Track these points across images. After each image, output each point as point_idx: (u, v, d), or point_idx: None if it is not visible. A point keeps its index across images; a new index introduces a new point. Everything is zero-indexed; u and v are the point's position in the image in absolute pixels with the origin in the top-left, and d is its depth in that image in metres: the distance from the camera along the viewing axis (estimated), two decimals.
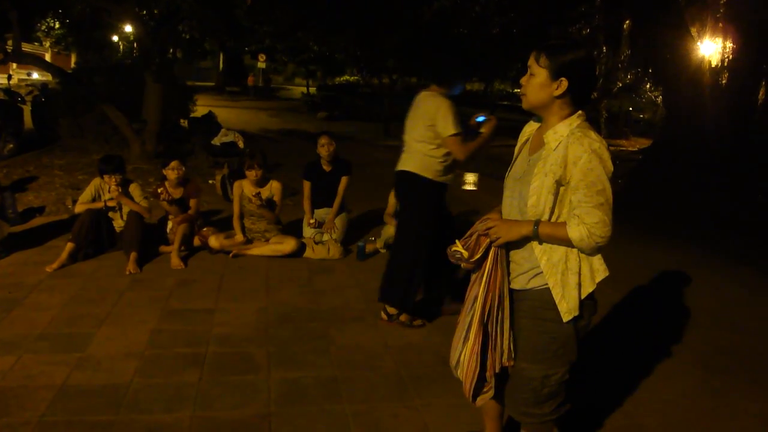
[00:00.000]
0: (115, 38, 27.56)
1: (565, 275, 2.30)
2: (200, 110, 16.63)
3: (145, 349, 4.08)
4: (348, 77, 33.61)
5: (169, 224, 6.40)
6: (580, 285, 2.30)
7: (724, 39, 17.25)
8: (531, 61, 2.33)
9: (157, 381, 3.68)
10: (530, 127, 2.55)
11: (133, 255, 5.76)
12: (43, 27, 23.64)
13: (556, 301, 2.30)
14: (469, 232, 2.51)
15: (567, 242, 2.25)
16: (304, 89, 34.54)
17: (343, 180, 6.76)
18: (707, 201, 11.13)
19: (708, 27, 17.18)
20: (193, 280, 5.51)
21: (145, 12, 13.79)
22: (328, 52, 23.05)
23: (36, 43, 31.81)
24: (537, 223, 2.29)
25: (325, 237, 6.52)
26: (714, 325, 5.12)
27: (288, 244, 6.16)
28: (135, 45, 12.47)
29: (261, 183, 6.22)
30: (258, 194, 6.06)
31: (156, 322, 4.56)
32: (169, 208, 6.32)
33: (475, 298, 2.45)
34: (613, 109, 29.38)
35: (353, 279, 5.72)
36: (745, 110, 13.99)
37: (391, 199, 6.59)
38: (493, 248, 2.41)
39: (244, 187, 6.24)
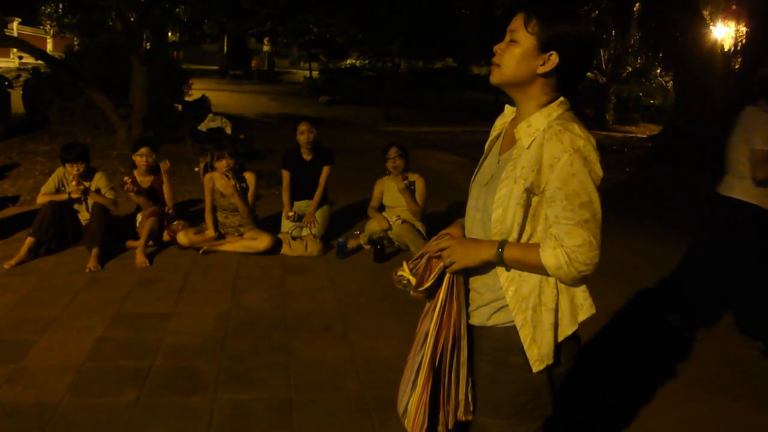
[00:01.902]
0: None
1: (538, 312, 1.79)
2: (197, 94, 16.22)
3: (85, 362, 3.66)
4: (353, 61, 33.05)
5: (139, 217, 5.95)
6: (556, 325, 1.80)
7: (737, 22, 16.74)
8: (516, 24, 1.81)
9: (90, 402, 3.25)
10: (503, 119, 2.05)
11: (95, 251, 5.33)
12: (47, 11, 23.19)
13: (525, 346, 1.80)
14: (420, 252, 2.02)
15: (541, 270, 1.75)
16: (308, 73, 34.02)
17: (325, 170, 6.27)
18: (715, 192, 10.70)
19: (720, 10, 16.66)
20: (156, 279, 5.07)
21: None
22: (329, 35, 22.52)
23: (40, 27, 31.39)
24: (502, 244, 1.79)
25: (304, 232, 6.05)
26: (724, 337, 4.64)
27: (262, 241, 5.69)
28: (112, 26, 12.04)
29: (236, 174, 5.75)
30: (234, 185, 5.60)
31: (104, 328, 4.13)
32: (137, 199, 5.89)
33: (426, 334, 1.96)
34: (623, 95, 28.71)
35: (329, 280, 5.24)
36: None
37: (376, 192, 6.11)
38: (447, 274, 1.92)
39: (216, 180, 5.77)
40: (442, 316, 1.92)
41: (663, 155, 13.09)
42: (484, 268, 1.87)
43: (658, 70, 25.93)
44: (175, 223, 5.96)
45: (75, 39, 23.86)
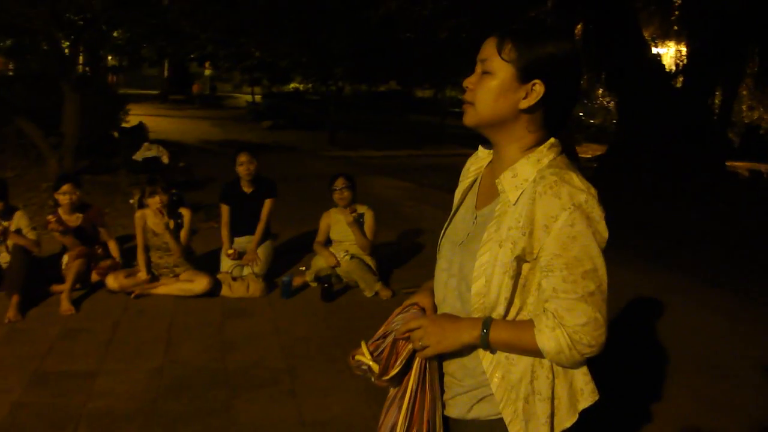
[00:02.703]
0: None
1: (531, 403, 1.46)
2: (135, 120, 15.63)
3: None
4: (297, 85, 32.69)
5: (65, 258, 5.45)
6: (552, 417, 1.46)
7: (678, 42, 17.03)
8: (487, 52, 1.49)
9: None
10: (478, 162, 1.71)
11: (14, 299, 4.80)
12: None
13: None
14: (382, 330, 1.66)
15: (536, 354, 1.43)
16: (250, 97, 33.51)
17: (267, 203, 5.86)
18: (667, 211, 10.72)
19: (662, 31, 16.90)
20: (82, 330, 4.58)
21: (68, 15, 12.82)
22: (271, 59, 22.13)
23: None
24: (487, 324, 1.45)
25: (246, 271, 5.62)
26: (696, 370, 4.39)
27: (199, 283, 5.25)
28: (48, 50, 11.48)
29: (172, 207, 5.32)
30: (167, 224, 5.16)
31: (22, 391, 3.65)
32: (63, 239, 5.39)
33: (393, 429, 1.59)
34: None
35: (273, 325, 4.83)
36: (701, 113, 13.70)
37: (323, 226, 5.73)
38: (418, 358, 1.57)
39: (147, 218, 5.32)
40: (413, 408, 1.55)
41: (608, 175, 13.08)
42: (463, 348, 1.53)
43: (600, 91, 26.21)
44: (102, 261, 5.48)
45: (10, 64, 23.02)
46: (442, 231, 1.71)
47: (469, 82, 1.53)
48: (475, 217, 1.59)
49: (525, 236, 1.41)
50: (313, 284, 5.60)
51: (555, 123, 1.52)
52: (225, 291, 5.36)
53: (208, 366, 4.08)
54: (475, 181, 1.70)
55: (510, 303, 1.46)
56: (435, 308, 1.67)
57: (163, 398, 3.63)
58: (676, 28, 15.83)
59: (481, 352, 1.50)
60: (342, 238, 5.65)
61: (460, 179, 1.76)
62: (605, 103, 26.52)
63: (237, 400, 3.64)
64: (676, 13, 15.58)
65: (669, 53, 17.34)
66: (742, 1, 12.12)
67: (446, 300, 1.61)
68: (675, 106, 13.23)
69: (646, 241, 8.40)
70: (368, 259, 5.62)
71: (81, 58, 16.01)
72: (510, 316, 1.47)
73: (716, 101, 15.32)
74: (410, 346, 1.55)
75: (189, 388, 3.76)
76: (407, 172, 14.53)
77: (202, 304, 5.17)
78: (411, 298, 1.72)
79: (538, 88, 1.44)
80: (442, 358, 1.58)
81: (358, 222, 5.52)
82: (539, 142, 1.51)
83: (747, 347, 4.98)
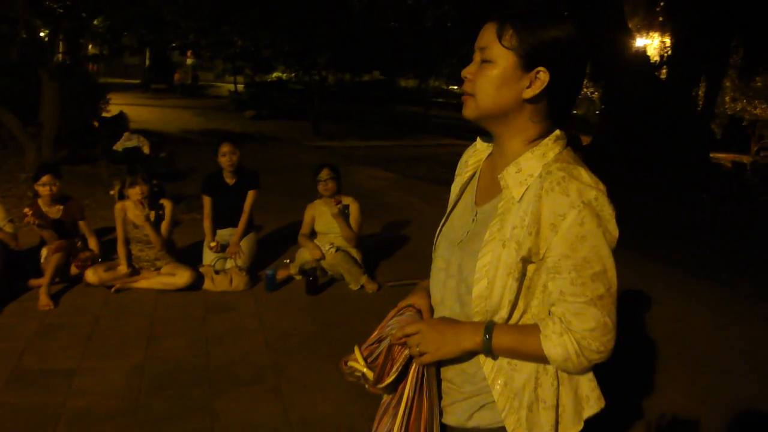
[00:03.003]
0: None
1: (534, 412, 1.38)
2: (116, 110, 15.41)
3: None
4: (280, 74, 32.39)
5: (44, 252, 5.32)
6: (557, 425, 1.39)
7: (663, 34, 17.03)
8: (486, 39, 1.39)
9: None
10: (477, 155, 1.62)
11: None
12: None
13: None
14: (376, 334, 1.58)
15: (541, 360, 1.36)
16: (233, 87, 33.18)
17: (250, 194, 5.75)
18: (650, 202, 10.72)
19: (647, 22, 16.90)
20: (60, 326, 4.46)
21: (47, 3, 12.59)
22: (254, 48, 21.88)
23: None
24: (489, 329, 1.37)
25: (229, 264, 5.52)
26: (684, 364, 4.35)
27: (181, 277, 5.14)
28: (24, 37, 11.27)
29: (153, 199, 5.20)
30: (147, 216, 5.03)
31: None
32: (42, 232, 5.26)
33: None
34: None
35: (257, 319, 4.73)
36: (685, 104, 13.75)
37: (307, 218, 5.63)
38: (414, 364, 1.49)
39: (127, 210, 5.19)
40: (409, 417, 1.47)
41: (593, 167, 13.08)
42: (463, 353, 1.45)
43: (584, 81, 26.23)
44: (81, 253, 5.35)
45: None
46: (439, 228, 1.62)
47: (467, 72, 1.43)
48: (476, 214, 1.49)
49: (531, 236, 1.32)
50: (298, 277, 5.51)
51: (560, 112, 1.44)
52: (207, 284, 5.25)
53: (191, 362, 3.99)
54: (473, 175, 1.60)
55: (513, 306, 1.38)
56: (432, 310, 1.59)
57: (144, 396, 3.53)
58: (661, 19, 15.82)
59: (482, 357, 1.42)
60: (327, 230, 5.56)
61: (457, 172, 1.67)
62: (589, 93, 26.54)
63: (220, 398, 3.54)
64: (661, 3, 15.57)
65: (653, 44, 17.33)
66: None
67: (444, 302, 1.52)
68: (659, 97, 13.27)
69: (631, 233, 8.33)
70: (354, 252, 5.53)
71: (60, 46, 15.74)
72: (513, 320, 1.40)
73: (700, 93, 15.37)
74: (407, 352, 1.47)
75: (171, 386, 3.66)
76: (391, 162, 14.43)
77: (184, 298, 5.06)
78: (406, 300, 1.64)
79: (543, 76, 1.36)
80: (440, 363, 1.50)
81: (343, 213, 5.42)
82: (543, 134, 1.42)
83: (735, 341, 4.95)
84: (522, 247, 1.33)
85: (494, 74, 1.37)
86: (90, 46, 29.26)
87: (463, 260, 1.45)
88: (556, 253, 1.32)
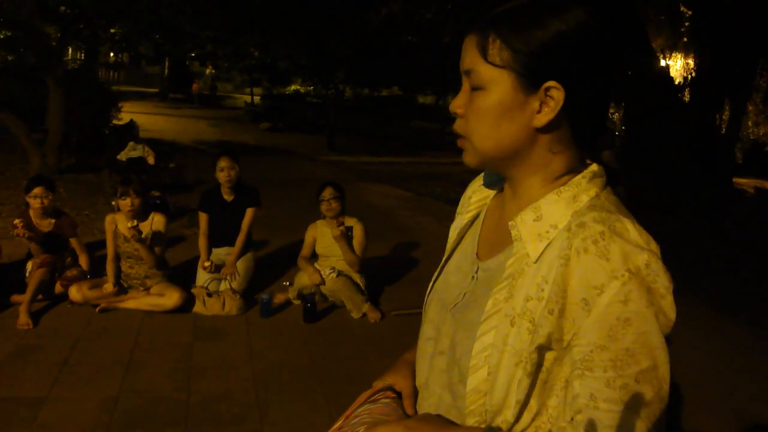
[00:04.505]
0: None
1: None
2: (128, 118, 15.25)
3: None
4: (297, 87, 32.32)
5: (29, 266, 5.02)
6: None
7: (686, 55, 16.66)
8: (470, 59, 1.01)
9: None
10: (482, 191, 1.23)
11: None
12: None
13: None
14: (340, 422, 1.21)
15: None
16: (249, 98, 33.13)
17: (249, 212, 5.42)
18: (671, 228, 10.33)
19: (671, 43, 16.54)
20: (36, 348, 4.15)
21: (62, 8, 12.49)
22: (270, 60, 21.75)
23: None
24: None
25: (223, 286, 5.19)
26: (708, 409, 3.97)
27: (170, 298, 4.81)
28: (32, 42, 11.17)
29: (141, 215, 4.90)
30: (136, 227, 4.71)
31: None
32: (30, 245, 4.98)
33: None
34: None
35: (246, 349, 4.38)
36: (708, 128, 13.38)
37: (308, 239, 5.29)
38: None
39: (118, 223, 4.89)
40: None
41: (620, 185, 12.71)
42: None
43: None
44: (68, 271, 5.05)
45: (8, 57, 22.79)
46: (431, 282, 1.24)
47: (456, 107, 1.06)
48: (476, 271, 1.12)
49: (552, 315, 0.94)
50: (296, 302, 5.16)
51: (590, 132, 1.05)
52: (198, 307, 4.92)
53: (169, 396, 3.64)
54: (476, 217, 1.23)
55: (523, 407, 0.99)
56: (416, 394, 1.22)
57: None
58: (685, 40, 15.45)
59: None
60: (329, 252, 5.22)
61: (458, 211, 1.29)
62: (609, 115, 26.16)
63: None
64: (686, 24, 15.21)
65: (677, 66, 16.97)
66: (751, 16, 11.79)
67: (430, 386, 1.14)
68: (682, 119, 12.89)
69: None
70: (356, 277, 5.18)
71: (70, 52, 15.72)
72: (522, 425, 1.00)
73: (724, 116, 14.99)
74: None
75: (144, 424, 3.32)
76: (405, 179, 14.10)
77: (173, 321, 4.73)
78: (384, 378, 1.27)
79: (556, 94, 0.97)
80: None
81: (346, 236, 5.08)
82: (572, 167, 1.04)
83: (764, 383, 4.56)
84: (539, 329, 0.95)
85: (488, 105, 1.00)
86: (111, 55, 29.35)
87: (457, 334, 1.08)
88: (587, 341, 0.93)
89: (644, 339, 0.91)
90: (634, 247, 0.92)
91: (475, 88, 1.02)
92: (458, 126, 1.06)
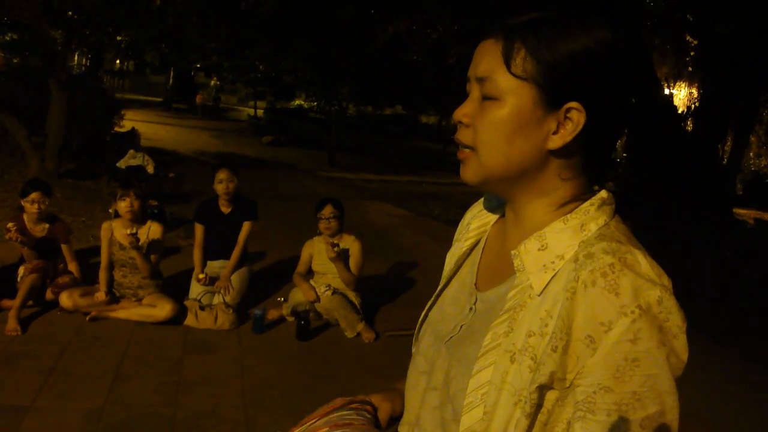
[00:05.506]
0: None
1: None
2: (131, 126, 15.25)
3: None
4: (301, 101, 32.42)
5: (21, 270, 4.96)
6: None
7: (690, 84, 16.71)
8: (487, 66, 0.94)
9: None
10: (482, 216, 1.17)
11: None
12: None
13: None
14: (305, 421, 1.15)
15: None
16: (252, 111, 33.20)
17: (246, 226, 5.36)
18: (671, 257, 10.26)
19: (675, 72, 16.59)
20: (23, 355, 4.07)
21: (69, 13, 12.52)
22: (275, 74, 21.81)
23: None
24: None
25: (216, 299, 5.12)
26: None
27: (162, 309, 4.73)
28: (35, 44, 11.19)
29: (138, 220, 4.85)
30: (135, 234, 4.65)
31: None
32: (23, 250, 4.92)
33: None
34: None
35: (238, 365, 4.30)
36: (710, 158, 13.37)
37: (305, 255, 5.23)
38: None
39: (115, 230, 4.84)
40: None
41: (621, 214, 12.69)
42: None
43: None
44: (60, 278, 4.98)
45: (15, 59, 22.86)
46: (424, 310, 1.17)
47: (462, 115, 0.98)
48: (474, 302, 1.05)
49: (556, 353, 0.86)
50: (290, 318, 5.09)
51: (599, 164, 0.98)
52: (190, 320, 4.84)
53: (156, 411, 3.56)
54: (477, 244, 1.15)
55: None
56: (392, 422, 1.15)
57: None
58: (690, 69, 15.48)
59: None
60: (325, 270, 5.15)
61: (456, 237, 1.22)
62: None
63: None
64: (691, 53, 15.25)
65: (681, 95, 17.01)
66: (758, 48, 11.81)
67: (421, 423, 1.07)
68: (684, 149, 12.88)
69: None
70: (352, 295, 5.11)
71: (75, 58, 15.76)
72: None
73: (726, 147, 15.01)
74: None
75: None
76: (405, 198, 14.05)
77: (163, 333, 4.65)
78: (369, 396, 1.21)
79: (576, 116, 0.90)
80: None
81: (341, 258, 5.00)
82: (578, 196, 0.98)
83: (765, 421, 4.48)
84: (541, 368, 0.88)
85: (503, 118, 0.92)
86: (117, 62, 29.43)
87: (452, 368, 1.01)
88: (591, 381, 0.85)
89: (653, 382, 0.84)
90: (646, 282, 0.85)
91: (488, 98, 0.94)
92: (463, 136, 0.98)
